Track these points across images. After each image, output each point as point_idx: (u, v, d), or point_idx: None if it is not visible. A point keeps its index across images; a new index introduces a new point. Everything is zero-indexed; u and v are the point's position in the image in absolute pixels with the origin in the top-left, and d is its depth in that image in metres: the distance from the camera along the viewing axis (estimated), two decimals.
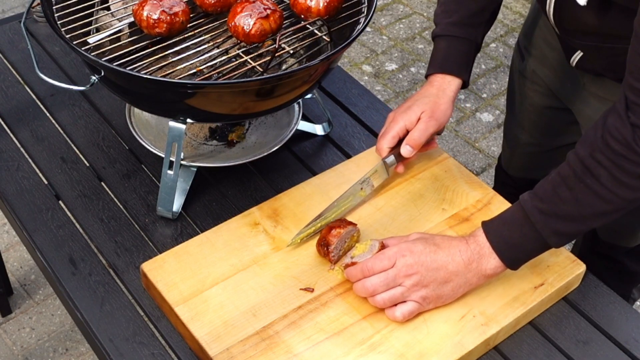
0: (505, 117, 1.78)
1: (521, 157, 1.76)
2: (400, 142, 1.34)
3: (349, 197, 1.31)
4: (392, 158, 1.35)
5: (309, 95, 1.50)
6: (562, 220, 1.10)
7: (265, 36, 1.29)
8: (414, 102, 1.35)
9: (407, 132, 1.34)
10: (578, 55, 1.38)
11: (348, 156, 1.49)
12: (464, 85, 1.39)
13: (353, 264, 1.18)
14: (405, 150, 1.33)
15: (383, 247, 1.19)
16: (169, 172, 1.31)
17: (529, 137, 1.70)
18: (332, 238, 1.22)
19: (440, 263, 1.14)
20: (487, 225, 1.16)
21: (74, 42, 1.23)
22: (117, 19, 1.37)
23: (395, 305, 1.15)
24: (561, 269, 1.25)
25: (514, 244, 1.13)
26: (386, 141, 1.34)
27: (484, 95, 3.02)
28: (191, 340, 1.15)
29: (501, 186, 1.88)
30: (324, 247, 1.23)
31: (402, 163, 1.37)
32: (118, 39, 1.37)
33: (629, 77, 1.03)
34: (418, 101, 1.35)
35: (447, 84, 1.37)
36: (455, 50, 1.38)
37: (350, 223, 1.24)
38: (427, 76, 1.40)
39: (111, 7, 1.40)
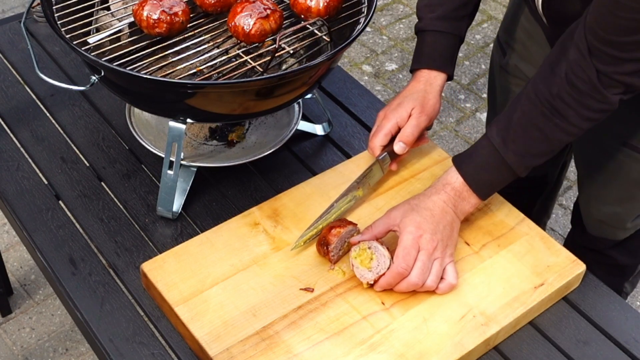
0: (487, 114, 1.78)
1: None
2: (392, 139, 1.35)
3: (347, 198, 1.31)
4: (386, 156, 1.35)
5: (309, 95, 1.50)
6: (534, 157, 1.21)
7: (265, 36, 1.29)
8: (404, 98, 1.36)
9: (399, 129, 1.35)
10: None
11: (348, 156, 1.49)
12: (449, 78, 1.41)
13: (380, 276, 1.18)
14: (399, 147, 1.33)
15: (378, 240, 1.20)
16: (169, 172, 1.31)
17: None
18: (332, 238, 1.22)
19: (442, 223, 1.21)
20: (462, 169, 1.23)
21: (74, 42, 1.23)
22: (117, 19, 1.37)
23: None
24: (561, 269, 1.25)
25: (490, 184, 1.24)
26: (378, 139, 1.35)
27: (484, 95, 3.02)
28: (191, 340, 1.15)
29: None
30: (323, 246, 1.23)
31: (395, 161, 1.37)
32: (118, 39, 1.37)
33: (594, 25, 1.08)
34: (407, 98, 1.36)
35: (434, 78, 1.38)
36: (440, 46, 1.39)
37: (351, 223, 1.24)
38: (412, 70, 1.41)
39: (111, 7, 1.41)
